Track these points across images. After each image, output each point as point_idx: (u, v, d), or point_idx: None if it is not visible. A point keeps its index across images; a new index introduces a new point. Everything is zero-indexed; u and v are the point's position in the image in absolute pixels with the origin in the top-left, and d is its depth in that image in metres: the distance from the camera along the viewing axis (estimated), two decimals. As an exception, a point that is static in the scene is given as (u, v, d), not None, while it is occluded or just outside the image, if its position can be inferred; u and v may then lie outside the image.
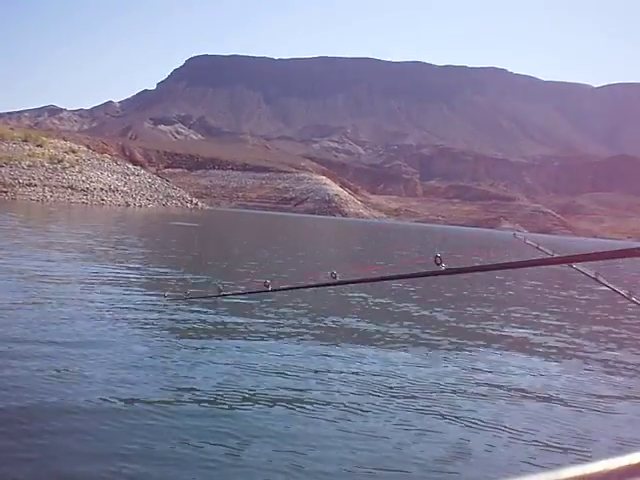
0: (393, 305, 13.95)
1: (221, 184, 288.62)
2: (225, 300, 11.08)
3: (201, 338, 9.55)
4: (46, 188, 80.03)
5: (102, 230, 39.88)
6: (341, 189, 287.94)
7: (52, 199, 78.48)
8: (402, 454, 5.85)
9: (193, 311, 10.89)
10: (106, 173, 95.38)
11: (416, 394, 7.58)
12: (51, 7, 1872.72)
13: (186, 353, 8.70)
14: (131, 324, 10.05)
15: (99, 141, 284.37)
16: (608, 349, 11.57)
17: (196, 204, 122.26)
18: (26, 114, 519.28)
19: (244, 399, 6.91)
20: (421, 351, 9.79)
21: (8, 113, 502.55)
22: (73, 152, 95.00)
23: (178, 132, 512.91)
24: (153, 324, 9.86)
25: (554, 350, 10.96)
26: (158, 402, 6.65)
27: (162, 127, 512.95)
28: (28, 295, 11.87)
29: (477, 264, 2.49)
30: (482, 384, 8.37)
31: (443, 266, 2.46)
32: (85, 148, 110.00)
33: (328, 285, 3.25)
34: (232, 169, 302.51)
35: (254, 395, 7.12)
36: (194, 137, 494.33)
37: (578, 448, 6.35)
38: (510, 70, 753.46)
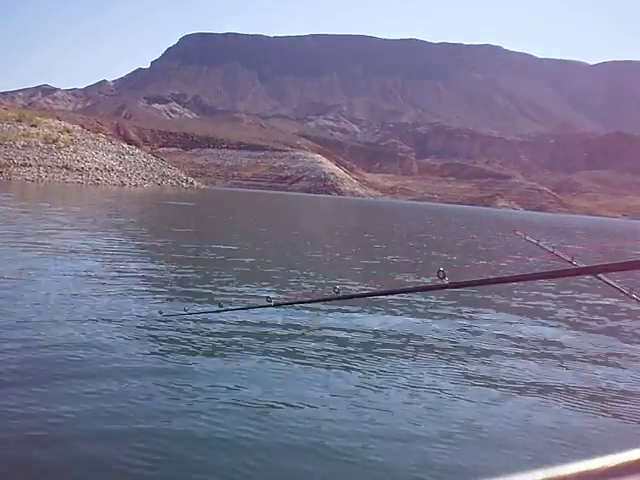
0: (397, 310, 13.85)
1: (216, 163, 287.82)
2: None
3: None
4: (41, 168, 79.84)
5: (109, 211, 39.77)
6: (337, 167, 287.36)
7: (47, 179, 78.31)
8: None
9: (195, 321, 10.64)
10: (101, 153, 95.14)
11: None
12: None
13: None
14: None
15: (93, 120, 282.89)
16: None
17: (191, 183, 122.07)
18: (20, 94, 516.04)
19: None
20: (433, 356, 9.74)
21: (2, 93, 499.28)
22: (67, 132, 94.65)
23: (172, 111, 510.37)
24: (154, 336, 9.62)
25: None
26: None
27: (156, 106, 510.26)
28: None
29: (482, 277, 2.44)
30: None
31: (446, 280, 2.45)
32: (79, 127, 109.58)
33: (330, 300, 3.32)
34: (227, 148, 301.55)
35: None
36: (189, 116, 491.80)
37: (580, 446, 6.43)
38: (506, 48, 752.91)
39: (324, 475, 5.49)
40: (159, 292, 13.20)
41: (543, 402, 7.81)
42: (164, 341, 9.09)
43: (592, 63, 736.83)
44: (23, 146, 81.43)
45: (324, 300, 3.52)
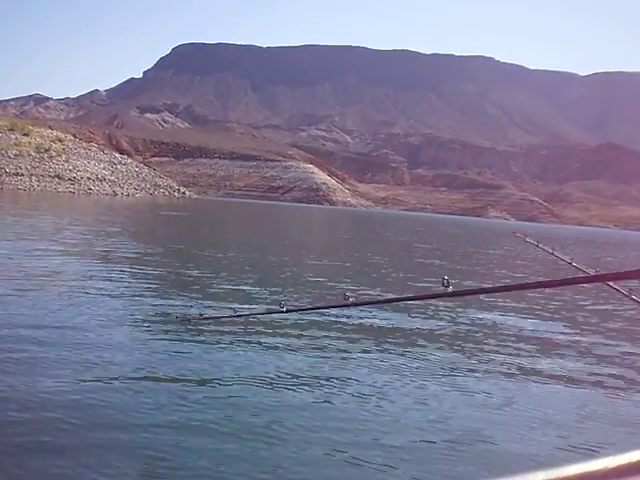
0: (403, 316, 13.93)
1: (208, 173, 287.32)
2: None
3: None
4: (33, 177, 79.71)
5: (101, 222, 39.75)
6: (329, 177, 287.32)
7: (39, 188, 78.17)
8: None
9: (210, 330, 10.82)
10: (93, 162, 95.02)
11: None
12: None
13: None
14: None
15: (85, 130, 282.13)
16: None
17: (183, 193, 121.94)
18: (12, 103, 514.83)
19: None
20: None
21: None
22: (60, 141, 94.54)
23: (165, 120, 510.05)
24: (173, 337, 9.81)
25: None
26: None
27: (149, 115, 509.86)
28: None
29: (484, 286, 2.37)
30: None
31: (450, 288, 2.43)
32: (72, 137, 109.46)
33: (340, 307, 3.15)
34: (219, 158, 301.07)
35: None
36: (181, 125, 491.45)
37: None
38: (497, 59, 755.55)
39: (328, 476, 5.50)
40: (174, 296, 13.69)
41: (544, 402, 7.91)
42: (181, 341, 9.45)
43: (584, 74, 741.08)
44: (15, 155, 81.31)
45: (334, 307, 3.56)
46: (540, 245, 4.17)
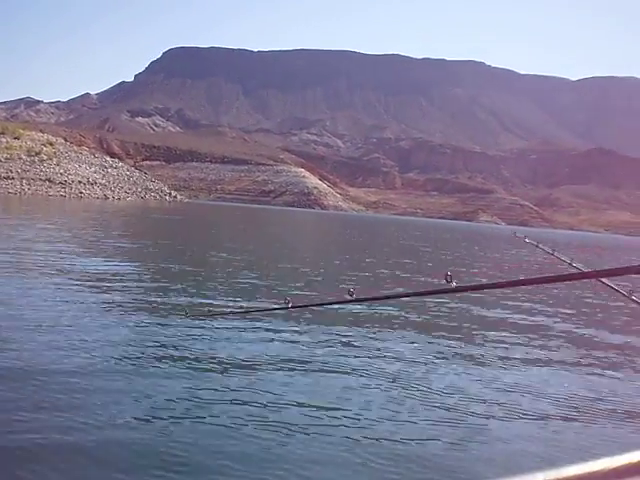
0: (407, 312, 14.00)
1: (199, 177, 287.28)
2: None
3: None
4: (24, 181, 79.44)
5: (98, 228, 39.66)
6: (320, 182, 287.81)
7: (30, 192, 77.90)
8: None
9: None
10: (84, 166, 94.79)
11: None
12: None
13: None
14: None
15: (76, 133, 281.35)
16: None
17: (175, 197, 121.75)
18: (2, 106, 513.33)
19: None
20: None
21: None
22: (50, 144, 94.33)
23: (156, 124, 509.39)
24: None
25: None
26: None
27: (140, 119, 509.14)
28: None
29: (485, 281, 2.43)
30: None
31: (453, 284, 2.45)
32: (62, 140, 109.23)
33: (345, 302, 3.29)
34: (210, 162, 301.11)
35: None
36: (172, 129, 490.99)
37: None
38: (488, 63, 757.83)
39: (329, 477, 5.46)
40: (181, 293, 13.78)
41: (543, 402, 7.87)
42: (190, 336, 9.44)
43: (574, 79, 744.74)
44: (6, 159, 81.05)
45: (339, 303, 3.57)
46: (540, 245, 4.18)
